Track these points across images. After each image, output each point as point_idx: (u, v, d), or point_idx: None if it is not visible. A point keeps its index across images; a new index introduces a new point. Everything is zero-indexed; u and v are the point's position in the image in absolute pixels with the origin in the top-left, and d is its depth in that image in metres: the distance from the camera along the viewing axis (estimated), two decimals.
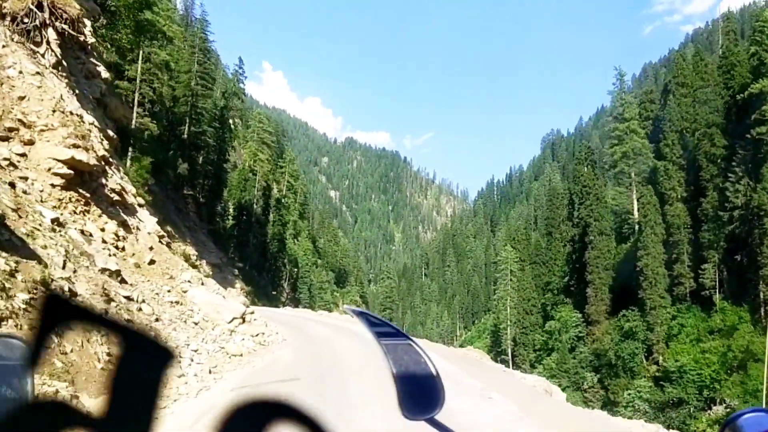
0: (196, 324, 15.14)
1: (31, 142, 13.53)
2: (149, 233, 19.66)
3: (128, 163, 30.78)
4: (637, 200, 53.25)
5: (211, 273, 44.24)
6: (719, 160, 38.36)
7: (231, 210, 58.43)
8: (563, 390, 49.05)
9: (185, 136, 43.66)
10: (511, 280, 59.14)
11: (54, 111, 14.36)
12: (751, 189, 34.28)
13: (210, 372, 12.23)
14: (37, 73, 14.85)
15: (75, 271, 10.52)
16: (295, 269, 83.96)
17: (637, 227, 53.92)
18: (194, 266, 40.57)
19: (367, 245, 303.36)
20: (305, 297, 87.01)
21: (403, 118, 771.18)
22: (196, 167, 46.12)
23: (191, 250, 40.29)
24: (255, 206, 57.12)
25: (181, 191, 45.54)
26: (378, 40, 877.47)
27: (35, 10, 15.20)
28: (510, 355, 56.59)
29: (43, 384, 6.60)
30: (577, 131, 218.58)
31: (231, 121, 51.76)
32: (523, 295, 58.86)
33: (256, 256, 58.78)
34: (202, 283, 20.62)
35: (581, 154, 64.08)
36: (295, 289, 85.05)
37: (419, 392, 1.35)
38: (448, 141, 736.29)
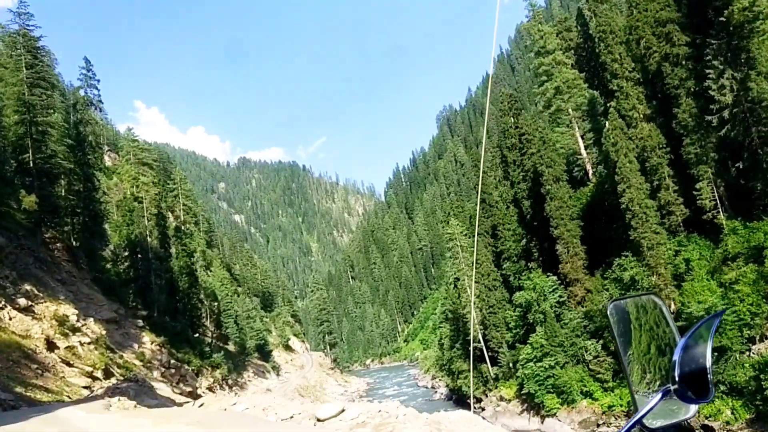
0: None
1: None
2: None
3: None
4: (581, 137, 47.71)
5: (104, 332, 34.10)
6: (684, 61, 33.02)
7: (119, 250, 47.58)
8: (562, 368, 42.97)
9: (29, 163, 32.87)
10: (464, 256, 52.23)
11: None
12: (739, 81, 28.99)
13: None
14: None
15: None
16: (215, 303, 73.60)
17: (588, 167, 48.48)
18: (75, 329, 30.51)
19: (285, 262, 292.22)
20: (233, 331, 76.95)
21: (291, 129, 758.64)
22: (53, 201, 35.29)
23: (69, 310, 29.98)
24: (149, 239, 46.63)
25: (39, 236, 34.73)
26: (248, 56, 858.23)
27: None
28: (482, 340, 49.65)
29: None
30: (468, 102, 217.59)
31: (90, 138, 41.25)
32: (481, 270, 52.11)
33: (164, 298, 48.34)
34: None
35: (504, 105, 58.05)
36: (220, 326, 74.78)
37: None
38: (341, 142, 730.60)
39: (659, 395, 1.48)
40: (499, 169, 59.92)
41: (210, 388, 47.80)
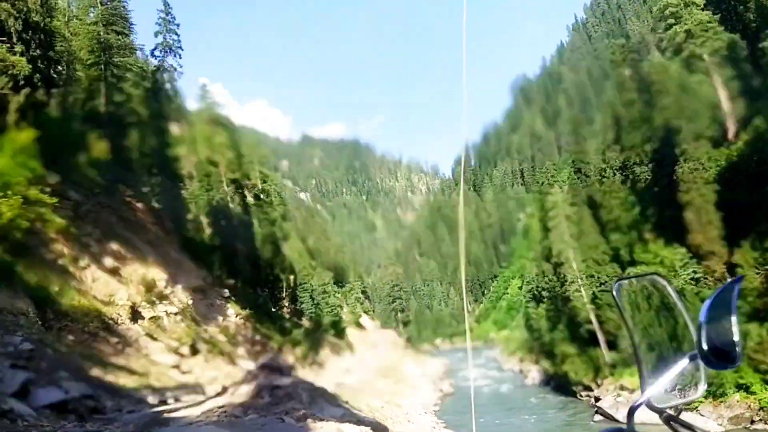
0: None
1: None
2: None
3: None
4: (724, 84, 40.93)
5: (190, 302, 31.10)
6: None
7: (201, 214, 44.72)
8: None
9: (100, 108, 29.68)
10: (567, 226, 46.84)
11: None
12: None
13: None
14: None
15: None
16: (291, 276, 70.96)
17: (730, 122, 41.88)
18: (163, 297, 27.45)
19: (351, 239, 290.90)
20: (308, 306, 74.14)
21: (352, 103, 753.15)
22: (126, 154, 32.01)
23: (158, 274, 26.88)
24: (231, 205, 43.55)
25: (118, 194, 31.67)
26: (308, 27, 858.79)
27: None
28: (595, 321, 44.42)
29: None
30: (544, 71, 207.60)
31: (168, 86, 38.04)
32: (588, 241, 46.68)
33: (247, 268, 45.34)
34: None
35: (615, 55, 51.62)
36: (295, 300, 72.14)
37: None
38: (404, 116, 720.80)
39: (686, 361, 1.40)
40: (609, 131, 53.78)
41: (291, 367, 44.78)
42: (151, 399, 16.13)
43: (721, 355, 1.48)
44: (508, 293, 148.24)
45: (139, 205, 34.51)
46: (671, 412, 1.56)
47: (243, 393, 12.69)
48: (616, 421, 36.73)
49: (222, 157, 45.79)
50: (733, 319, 1.53)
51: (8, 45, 20.82)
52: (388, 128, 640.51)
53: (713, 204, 37.37)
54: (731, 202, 37.04)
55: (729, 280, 1.73)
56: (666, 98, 38.87)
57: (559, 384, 52.53)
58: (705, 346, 1.48)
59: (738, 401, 31.91)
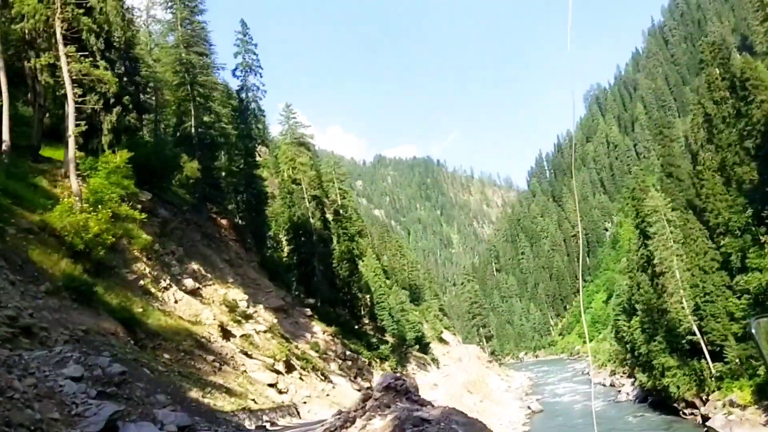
0: None
1: None
2: None
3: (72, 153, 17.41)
4: None
5: (275, 321, 30.53)
6: None
7: (280, 232, 44.62)
8: None
9: (190, 129, 29.94)
10: (671, 231, 43.39)
11: None
12: None
13: None
14: None
15: None
16: (367, 295, 70.18)
17: None
18: (247, 317, 26.92)
19: (426, 255, 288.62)
20: (389, 324, 72.97)
21: (424, 124, 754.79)
22: (215, 174, 32.21)
23: (238, 295, 26.42)
24: (312, 220, 43.16)
25: (204, 210, 31.77)
26: (378, 51, 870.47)
27: None
28: (698, 332, 40.77)
29: None
30: (618, 80, 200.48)
31: (253, 105, 38.18)
32: (694, 248, 43.08)
33: (325, 287, 44.74)
34: None
35: (705, 54, 48.47)
36: (374, 318, 71.16)
37: None
38: (475, 133, 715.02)
39: None
40: (702, 130, 50.13)
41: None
42: (248, 424, 15.22)
43: None
44: (591, 307, 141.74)
45: (224, 221, 34.61)
46: None
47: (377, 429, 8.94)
48: None
49: (304, 175, 45.77)
50: None
51: (91, 60, 20.96)
52: (460, 143, 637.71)
53: None
54: None
55: None
56: (761, 93, 35.52)
57: (658, 400, 48.82)
58: None
59: None
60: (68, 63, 19.66)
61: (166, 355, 16.91)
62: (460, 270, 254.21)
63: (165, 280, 21.14)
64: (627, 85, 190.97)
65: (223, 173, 34.54)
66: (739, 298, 39.26)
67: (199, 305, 22.14)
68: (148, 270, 20.71)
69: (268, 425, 16.38)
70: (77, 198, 18.89)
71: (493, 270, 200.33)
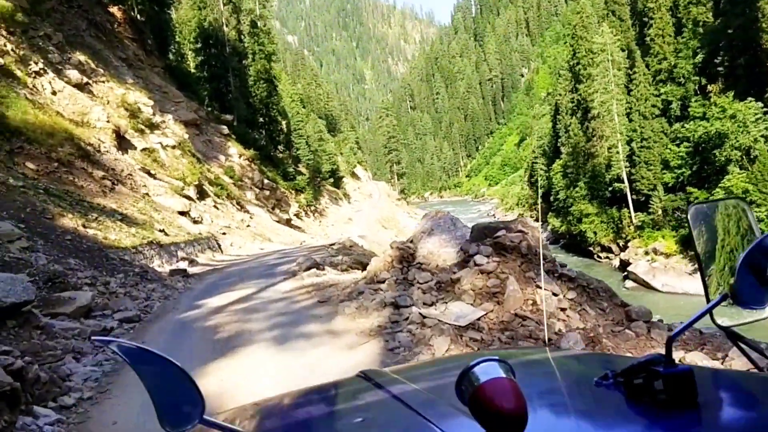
0: None
1: None
2: None
3: None
4: None
5: (186, 136, 25.82)
6: None
7: (185, 45, 38.02)
8: None
9: None
10: (614, 73, 40.94)
11: None
12: None
13: None
14: None
15: None
16: (284, 121, 65.24)
17: None
18: (152, 126, 21.90)
19: (339, 89, 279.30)
20: (305, 153, 69.24)
21: None
22: None
23: (141, 98, 21.28)
24: (226, 29, 36.72)
25: None
26: None
27: None
28: (626, 180, 40.22)
29: None
30: None
31: None
32: (635, 93, 41.15)
33: (242, 105, 39.57)
34: None
35: None
36: (290, 146, 66.98)
37: None
38: None
39: (718, 298, 1.31)
40: None
41: (297, 215, 40.74)
42: (157, 264, 11.50)
43: (751, 293, 1.23)
44: (502, 149, 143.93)
45: (118, 13, 27.85)
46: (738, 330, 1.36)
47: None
48: (653, 288, 33.81)
49: None
50: None
51: None
52: None
53: None
54: None
55: None
56: None
57: (571, 243, 49.43)
58: (734, 284, 1.22)
59: None
60: None
61: (31, 165, 12.38)
62: (374, 106, 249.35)
63: (38, 64, 15.70)
64: None
65: None
66: (678, 146, 38.33)
67: (87, 101, 17.03)
68: (10, 47, 15.14)
69: (186, 265, 12.70)
70: None
71: (408, 108, 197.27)
